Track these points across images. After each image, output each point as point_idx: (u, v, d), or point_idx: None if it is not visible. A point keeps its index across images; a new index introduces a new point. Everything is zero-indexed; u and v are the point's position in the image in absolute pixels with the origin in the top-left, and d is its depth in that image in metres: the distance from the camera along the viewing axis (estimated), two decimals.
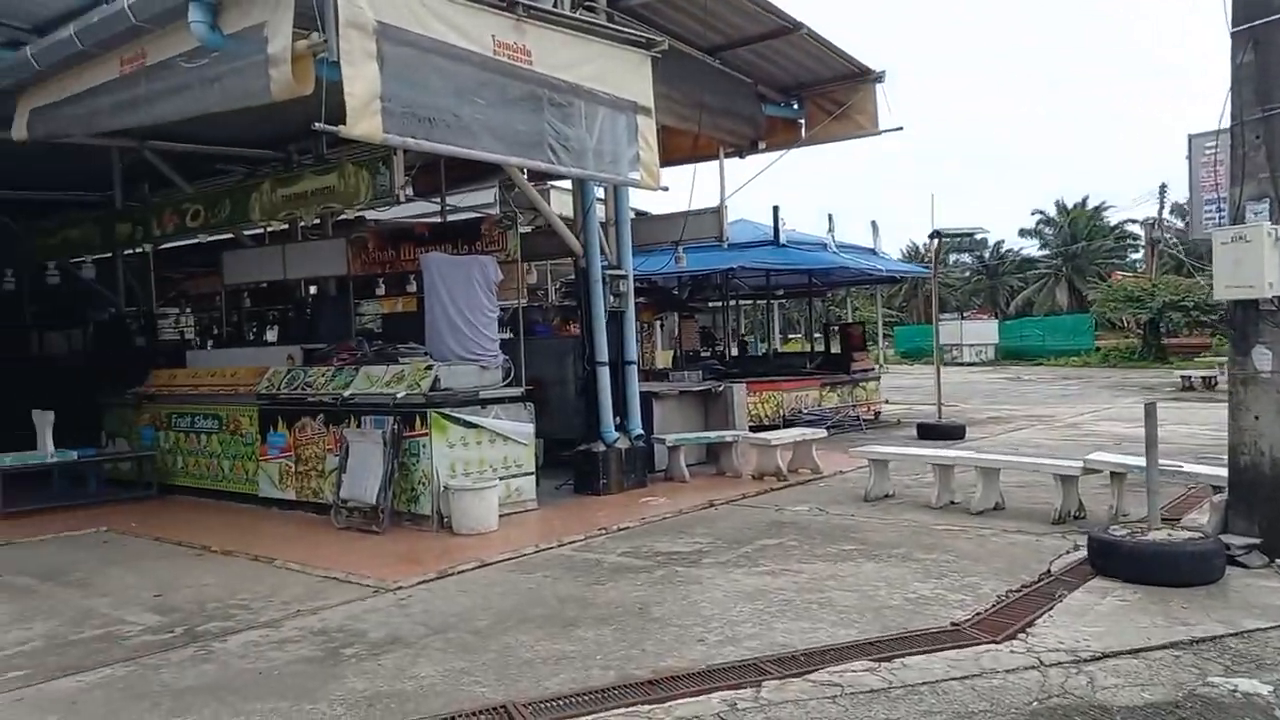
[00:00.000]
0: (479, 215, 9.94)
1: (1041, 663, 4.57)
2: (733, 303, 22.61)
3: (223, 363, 10.79)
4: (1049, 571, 6.23)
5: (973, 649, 4.81)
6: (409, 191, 9.20)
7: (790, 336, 45.73)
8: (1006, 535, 7.40)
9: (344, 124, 6.09)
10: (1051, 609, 5.41)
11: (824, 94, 12.49)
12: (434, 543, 7.77)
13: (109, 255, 14.10)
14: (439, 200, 12.20)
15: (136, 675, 4.80)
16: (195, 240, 14.33)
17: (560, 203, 12.63)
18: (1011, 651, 4.75)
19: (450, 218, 11.94)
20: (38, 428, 10.03)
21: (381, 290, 16.26)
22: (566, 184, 13.59)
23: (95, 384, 11.46)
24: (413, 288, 16.39)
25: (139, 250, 14.13)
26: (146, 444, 10.69)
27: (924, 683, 4.37)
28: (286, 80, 6.07)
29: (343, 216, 11.47)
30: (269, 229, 13.34)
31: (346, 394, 8.65)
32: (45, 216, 15.32)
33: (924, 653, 4.75)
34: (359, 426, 8.49)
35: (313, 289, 14.40)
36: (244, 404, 9.65)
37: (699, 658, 4.79)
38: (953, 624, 5.23)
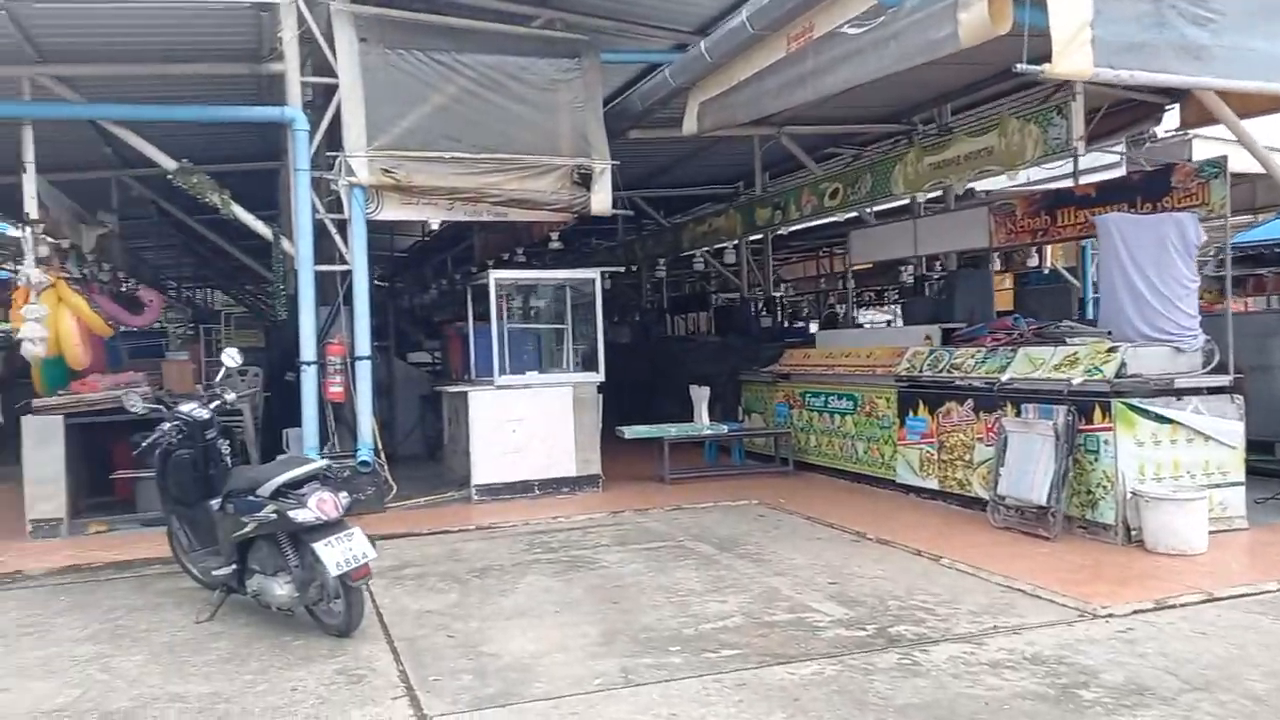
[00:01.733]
0: (1167, 163, 8.22)
1: None
2: None
3: (853, 343, 10.66)
4: None
5: None
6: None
7: None
8: None
9: (1047, 62, 5.21)
10: None
11: None
12: (1122, 559, 6.51)
13: (733, 244, 15.03)
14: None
15: (846, 677, 4.48)
16: (808, 224, 14.70)
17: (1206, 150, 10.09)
18: None
19: (1083, 180, 10.37)
20: (695, 402, 10.92)
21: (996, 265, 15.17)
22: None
23: (733, 362, 12.20)
24: (1034, 260, 15.03)
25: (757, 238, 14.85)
26: (780, 421, 11.03)
27: None
28: (980, 21, 5.37)
29: (983, 183, 10.54)
30: (879, 206, 12.99)
31: (1004, 378, 7.75)
32: (676, 212, 17.14)
33: None
34: (1019, 415, 7.54)
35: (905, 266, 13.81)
36: (881, 385, 9.32)
37: None
38: None
